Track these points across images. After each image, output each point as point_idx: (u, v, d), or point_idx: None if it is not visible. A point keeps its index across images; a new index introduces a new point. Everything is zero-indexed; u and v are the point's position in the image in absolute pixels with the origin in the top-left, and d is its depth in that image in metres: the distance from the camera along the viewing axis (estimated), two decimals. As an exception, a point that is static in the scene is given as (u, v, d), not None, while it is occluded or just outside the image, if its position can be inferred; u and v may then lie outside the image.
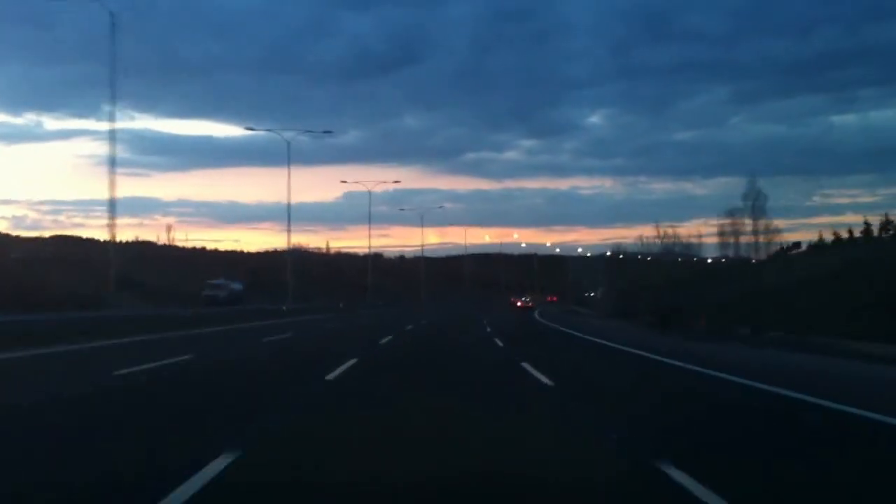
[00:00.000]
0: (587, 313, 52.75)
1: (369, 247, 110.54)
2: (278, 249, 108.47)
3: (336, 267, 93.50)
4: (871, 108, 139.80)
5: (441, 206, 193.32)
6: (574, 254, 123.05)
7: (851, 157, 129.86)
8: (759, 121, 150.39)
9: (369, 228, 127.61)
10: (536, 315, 50.91)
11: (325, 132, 59.97)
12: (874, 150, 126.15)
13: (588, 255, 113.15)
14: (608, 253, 70.30)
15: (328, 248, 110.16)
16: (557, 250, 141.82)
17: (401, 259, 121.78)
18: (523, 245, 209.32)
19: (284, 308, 44.60)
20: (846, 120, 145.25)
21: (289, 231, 58.98)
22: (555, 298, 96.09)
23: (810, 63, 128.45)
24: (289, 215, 52.88)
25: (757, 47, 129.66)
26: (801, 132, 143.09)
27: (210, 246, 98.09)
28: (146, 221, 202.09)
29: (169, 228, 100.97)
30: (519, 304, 67.31)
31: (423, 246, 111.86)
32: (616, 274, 54.54)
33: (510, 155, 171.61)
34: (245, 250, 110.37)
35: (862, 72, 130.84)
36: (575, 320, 42.04)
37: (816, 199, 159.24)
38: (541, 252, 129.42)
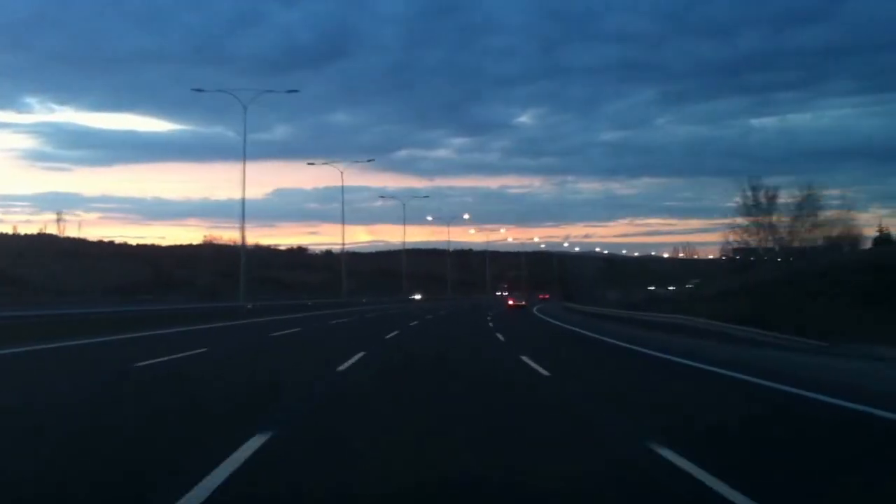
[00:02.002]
0: (613, 317, 35.82)
1: (242, 218, 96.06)
2: (193, 244, 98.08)
3: (256, 261, 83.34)
4: (789, 111, 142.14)
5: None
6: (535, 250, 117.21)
7: (770, 159, 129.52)
8: (684, 122, 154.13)
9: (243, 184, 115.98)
10: (555, 321, 35.08)
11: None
12: (791, 151, 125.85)
13: (542, 246, 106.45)
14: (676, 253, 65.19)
15: (244, 242, 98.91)
16: (510, 239, 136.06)
17: (327, 254, 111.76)
18: (472, 231, 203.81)
19: None
20: (765, 122, 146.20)
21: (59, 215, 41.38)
22: (546, 296, 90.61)
23: (732, 66, 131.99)
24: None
25: (682, 49, 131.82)
26: (722, 134, 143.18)
27: (132, 241, 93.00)
28: (67, 217, 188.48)
29: (59, 220, 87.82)
30: (511, 301, 60.92)
31: (346, 243, 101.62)
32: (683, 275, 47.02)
33: (441, 153, 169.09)
34: (159, 245, 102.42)
35: (781, 75, 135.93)
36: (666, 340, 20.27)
37: (738, 200, 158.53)
38: (476, 248, 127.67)
